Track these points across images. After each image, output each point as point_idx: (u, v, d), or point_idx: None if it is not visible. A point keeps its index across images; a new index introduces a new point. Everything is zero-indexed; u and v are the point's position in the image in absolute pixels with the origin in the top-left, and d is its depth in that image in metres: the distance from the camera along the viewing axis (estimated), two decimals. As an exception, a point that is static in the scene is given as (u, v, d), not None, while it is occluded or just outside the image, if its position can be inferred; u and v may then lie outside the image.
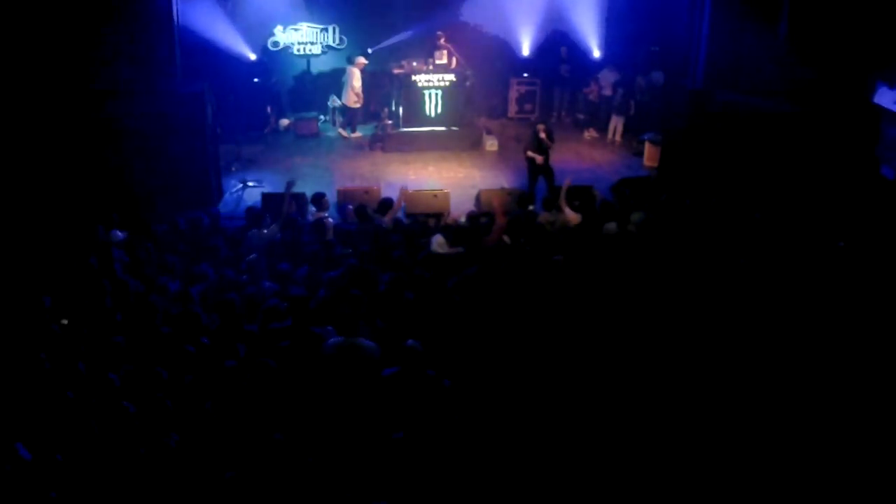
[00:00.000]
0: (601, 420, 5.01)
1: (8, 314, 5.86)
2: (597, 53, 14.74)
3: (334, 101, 14.41)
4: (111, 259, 7.24)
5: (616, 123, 13.91)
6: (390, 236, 7.85)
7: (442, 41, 13.42)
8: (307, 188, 9.98)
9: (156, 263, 7.28)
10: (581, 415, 5.03)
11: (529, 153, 10.80)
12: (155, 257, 7.42)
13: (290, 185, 8.34)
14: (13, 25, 8.88)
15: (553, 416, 5.00)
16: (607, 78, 14.05)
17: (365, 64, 13.71)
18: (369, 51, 14.27)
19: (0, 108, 9.04)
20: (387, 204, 8.78)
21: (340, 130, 14.12)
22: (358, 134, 13.98)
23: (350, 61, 13.66)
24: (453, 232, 7.86)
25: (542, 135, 10.75)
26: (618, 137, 13.86)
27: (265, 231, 7.89)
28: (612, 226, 8.00)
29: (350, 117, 14.04)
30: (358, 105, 13.85)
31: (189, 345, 5.45)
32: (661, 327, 5.92)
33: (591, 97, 14.23)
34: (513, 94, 15.17)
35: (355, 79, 13.56)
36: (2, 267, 6.94)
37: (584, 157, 13.18)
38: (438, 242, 7.65)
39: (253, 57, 14.09)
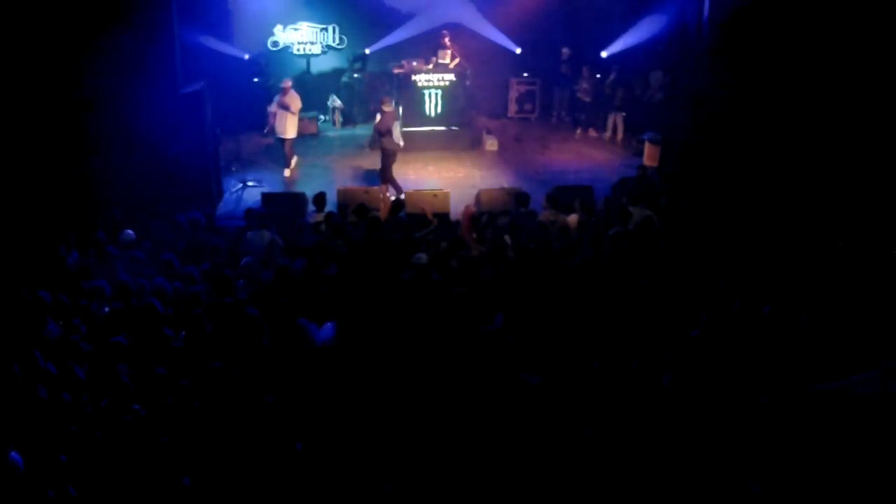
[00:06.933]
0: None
1: (4, 316, 5.87)
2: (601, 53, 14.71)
3: (334, 101, 14.44)
4: (110, 260, 7.25)
5: (615, 120, 13.85)
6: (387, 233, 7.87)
7: (446, 40, 13.41)
8: (307, 188, 9.96)
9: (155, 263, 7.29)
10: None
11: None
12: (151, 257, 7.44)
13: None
14: (11, 26, 8.88)
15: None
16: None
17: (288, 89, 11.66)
18: (367, 51, 14.22)
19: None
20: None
21: (286, 171, 11.87)
22: (293, 167, 11.94)
23: (281, 86, 11.86)
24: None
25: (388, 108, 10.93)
26: (619, 136, 13.80)
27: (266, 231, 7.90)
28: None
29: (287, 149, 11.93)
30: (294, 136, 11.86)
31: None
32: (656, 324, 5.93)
33: (580, 94, 14.20)
34: (513, 93, 15.18)
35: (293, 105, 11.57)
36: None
37: (584, 157, 13.18)
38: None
39: (252, 57, 14.12)
